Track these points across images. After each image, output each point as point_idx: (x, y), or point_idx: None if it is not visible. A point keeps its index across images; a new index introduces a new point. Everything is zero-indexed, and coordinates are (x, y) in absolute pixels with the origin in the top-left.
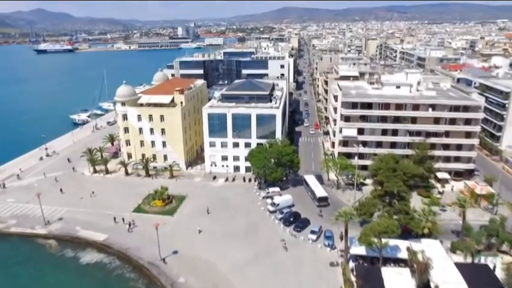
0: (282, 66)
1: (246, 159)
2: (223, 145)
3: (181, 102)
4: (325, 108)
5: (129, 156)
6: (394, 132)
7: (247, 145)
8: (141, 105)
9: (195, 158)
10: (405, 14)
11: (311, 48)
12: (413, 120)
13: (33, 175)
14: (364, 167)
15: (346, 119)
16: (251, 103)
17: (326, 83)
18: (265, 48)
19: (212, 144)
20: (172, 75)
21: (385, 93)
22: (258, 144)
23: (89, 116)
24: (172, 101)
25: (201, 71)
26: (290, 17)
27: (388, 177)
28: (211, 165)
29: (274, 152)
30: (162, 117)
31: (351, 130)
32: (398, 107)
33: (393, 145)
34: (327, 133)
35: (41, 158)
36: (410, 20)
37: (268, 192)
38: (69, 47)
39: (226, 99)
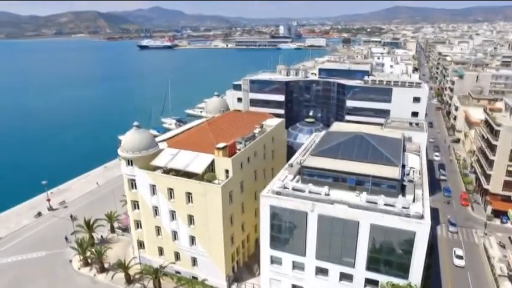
0: (417, 100)
1: None
2: (297, 267)
3: (227, 172)
4: (483, 173)
5: (141, 245)
6: None
7: (345, 277)
8: (157, 168)
9: (252, 254)
10: None
11: (434, 57)
12: None
13: (7, 252)
14: None
15: None
16: (361, 191)
17: (491, 129)
18: (378, 58)
19: (276, 261)
20: (239, 99)
21: None
22: (368, 281)
23: None
24: (211, 167)
25: (281, 97)
26: (400, 18)
27: None
28: None
29: None
30: (189, 196)
31: None
32: None
33: None
34: (491, 218)
35: (39, 214)
36: None
37: None
38: (169, 43)
39: (311, 176)
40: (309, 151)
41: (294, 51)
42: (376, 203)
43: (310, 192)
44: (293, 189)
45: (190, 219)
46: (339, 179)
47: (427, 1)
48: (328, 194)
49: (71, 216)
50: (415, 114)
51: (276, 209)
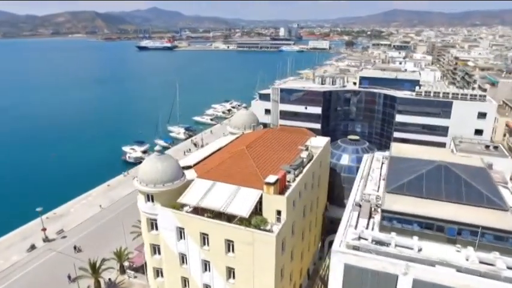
0: (482, 115)
1: None
2: None
3: (279, 213)
4: None
5: None
6: None
7: None
8: (184, 206)
9: None
10: None
11: (448, 61)
12: None
13: None
14: None
15: None
16: (463, 245)
17: None
18: (400, 63)
19: None
20: (267, 111)
21: None
22: None
23: (145, 152)
24: (256, 206)
25: (317, 110)
26: (398, 21)
27: None
28: None
29: None
30: (230, 245)
31: None
32: None
33: None
34: None
35: (32, 247)
36: None
37: None
38: (168, 44)
39: (390, 221)
40: (371, 181)
41: (297, 54)
42: (493, 265)
43: (397, 245)
44: (373, 241)
45: (230, 273)
46: (432, 228)
47: (425, 1)
48: (421, 249)
49: (75, 248)
50: (478, 132)
51: (353, 269)
